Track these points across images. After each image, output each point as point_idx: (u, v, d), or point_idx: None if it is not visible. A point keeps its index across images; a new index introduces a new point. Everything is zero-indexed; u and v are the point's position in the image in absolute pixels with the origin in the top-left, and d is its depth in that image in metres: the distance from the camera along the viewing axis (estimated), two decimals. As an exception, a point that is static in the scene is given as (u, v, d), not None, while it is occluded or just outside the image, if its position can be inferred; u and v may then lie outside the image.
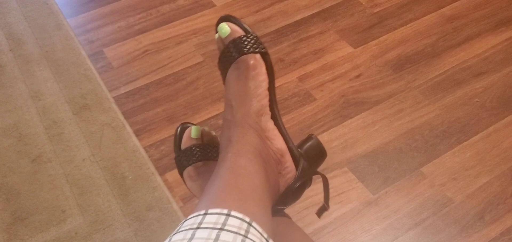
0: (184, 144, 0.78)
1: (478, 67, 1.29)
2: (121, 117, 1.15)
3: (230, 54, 0.69)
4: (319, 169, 0.75)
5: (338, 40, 1.35)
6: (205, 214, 0.52)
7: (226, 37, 0.70)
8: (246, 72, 0.68)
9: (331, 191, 1.03)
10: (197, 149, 0.76)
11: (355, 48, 1.33)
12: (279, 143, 0.69)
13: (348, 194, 1.03)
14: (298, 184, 0.69)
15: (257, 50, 0.69)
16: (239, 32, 0.70)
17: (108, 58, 1.29)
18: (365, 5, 1.46)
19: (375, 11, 1.44)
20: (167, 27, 1.38)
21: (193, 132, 0.77)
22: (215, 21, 1.32)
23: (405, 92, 1.22)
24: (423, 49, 1.33)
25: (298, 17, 1.41)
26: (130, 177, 1.03)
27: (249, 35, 0.70)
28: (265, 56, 0.70)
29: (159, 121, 1.15)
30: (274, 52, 1.32)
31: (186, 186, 0.79)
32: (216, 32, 0.72)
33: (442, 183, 1.05)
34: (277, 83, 1.24)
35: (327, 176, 1.05)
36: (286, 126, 1.15)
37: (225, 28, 0.70)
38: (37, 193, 1.00)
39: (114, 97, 1.19)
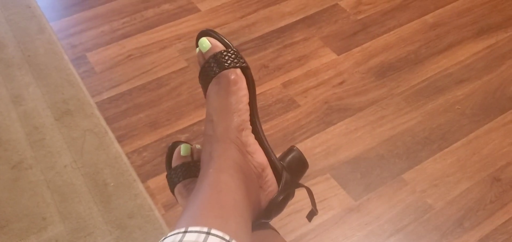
0: (174, 162, 0.79)
1: (459, 74, 1.30)
2: (104, 123, 1.14)
3: (210, 69, 0.69)
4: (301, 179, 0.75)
5: (322, 47, 1.36)
6: (185, 232, 0.52)
7: (207, 51, 0.70)
8: (227, 87, 0.68)
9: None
10: (186, 167, 0.76)
11: (338, 55, 1.34)
12: (260, 157, 0.69)
13: (330, 200, 1.03)
14: (281, 197, 0.70)
15: (237, 65, 0.69)
16: (220, 46, 0.70)
17: (91, 63, 1.29)
18: (349, 12, 1.46)
19: (358, 18, 1.45)
20: (151, 32, 1.38)
21: (182, 149, 0.78)
22: (199, 26, 1.33)
23: (388, 99, 1.23)
24: (406, 56, 1.34)
25: (282, 23, 1.42)
26: (112, 184, 1.03)
27: (229, 50, 0.70)
28: (245, 70, 0.70)
29: (141, 127, 1.15)
30: (258, 58, 1.32)
31: (178, 202, 0.79)
32: (197, 46, 0.72)
33: (423, 189, 1.06)
34: (261, 89, 1.24)
35: (310, 182, 1.05)
36: (269, 132, 1.16)
37: (206, 42, 0.70)
38: (17, 200, 0.99)
39: (96, 103, 1.19)
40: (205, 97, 0.72)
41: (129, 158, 1.08)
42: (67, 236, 0.95)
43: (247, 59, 1.31)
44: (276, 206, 0.70)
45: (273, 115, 1.19)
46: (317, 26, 1.42)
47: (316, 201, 1.03)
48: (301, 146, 1.13)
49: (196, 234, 0.51)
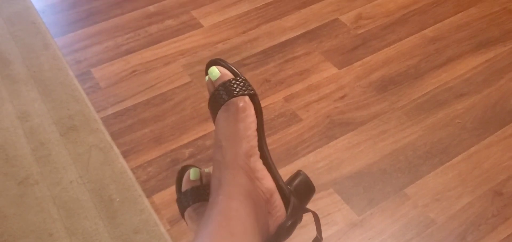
0: (184, 186, 0.80)
1: (459, 88, 1.32)
2: (109, 138, 1.15)
3: (220, 97, 0.72)
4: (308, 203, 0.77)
5: (323, 61, 1.38)
6: None
7: (216, 80, 0.73)
8: (235, 114, 0.70)
9: (317, 212, 1.05)
10: (196, 191, 0.78)
11: (339, 69, 1.36)
12: (268, 182, 0.70)
13: (333, 216, 1.04)
14: (290, 222, 0.71)
15: (246, 92, 0.71)
16: (229, 75, 0.73)
17: (96, 79, 1.30)
18: (349, 26, 1.48)
19: (359, 32, 1.47)
20: (155, 47, 1.39)
21: (191, 174, 0.79)
22: (203, 42, 1.35)
23: (389, 113, 1.25)
24: (406, 70, 1.36)
25: (283, 38, 1.44)
26: (118, 199, 1.04)
27: (238, 78, 0.73)
28: (253, 97, 0.72)
29: (146, 142, 1.16)
30: (260, 73, 1.33)
31: (188, 226, 0.80)
32: (206, 75, 0.75)
33: (425, 204, 1.07)
34: (263, 103, 1.26)
35: (313, 197, 1.06)
36: (272, 146, 1.17)
37: (215, 71, 0.73)
38: (24, 216, 1.00)
39: (101, 118, 1.20)
40: (214, 123, 0.74)
41: (134, 173, 1.10)
42: (74, 251, 0.96)
43: (249, 74, 1.33)
44: (284, 230, 0.71)
45: (276, 129, 1.20)
46: (318, 40, 1.44)
47: (320, 216, 1.04)
48: (304, 160, 1.14)
49: None
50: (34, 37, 1.38)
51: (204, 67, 1.34)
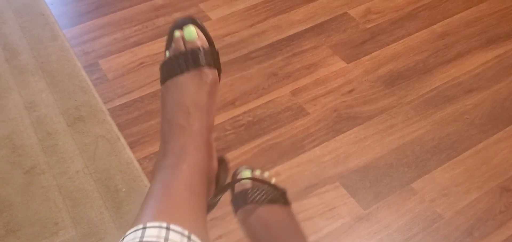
0: (236, 188, 0.84)
1: (468, 84, 1.31)
2: (116, 129, 1.15)
3: (194, 59, 0.69)
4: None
5: (331, 55, 1.37)
6: (144, 228, 0.53)
7: (190, 42, 0.70)
8: (211, 86, 0.69)
9: (322, 206, 1.04)
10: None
11: (347, 63, 1.35)
12: (216, 162, 0.71)
13: (339, 209, 1.04)
14: (218, 198, 0.74)
15: (218, 66, 0.71)
16: (205, 42, 0.71)
17: (104, 70, 1.30)
18: (358, 20, 1.47)
19: (367, 26, 1.46)
20: (162, 39, 1.39)
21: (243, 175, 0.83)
22: (210, 34, 1.34)
23: (397, 108, 1.24)
24: (414, 65, 1.35)
25: (291, 31, 1.43)
26: (124, 190, 1.04)
27: (215, 50, 0.71)
28: (219, 74, 0.73)
29: (153, 133, 1.16)
30: (267, 66, 1.33)
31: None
32: (177, 29, 0.72)
33: (432, 198, 1.06)
34: (270, 97, 1.25)
35: (319, 190, 1.06)
36: (278, 140, 1.17)
37: (194, 33, 0.70)
38: (30, 205, 1.01)
39: (108, 109, 1.20)
40: (163, 81, 0.71)
41: (140, 164, 1.10)
42: (79, 241, 0.96)
43: (256, 67, 1.33)
44: (212, 207, 0.74)
45: (282, 123, 1.20)
46: (326, 34, 1.43)
47: (325, 209, 1.04)
48: (310, 154, 1.14)
49: (157, 229, 0.52)
50: (43, 28, 1.39)
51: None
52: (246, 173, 0.83)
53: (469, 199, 1.06)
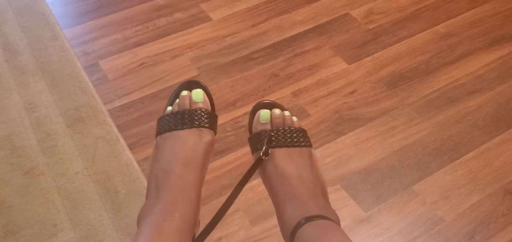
0: (255, 127, 0.82)
1: (471, 85, 1.29)
2: (115, 130, 1.15)
3: (197, 118, 0.77)
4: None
5: (332, 56, 1.36)
6: None
7: (196, 102, 0.79)
8: (208, 145, 0.76)
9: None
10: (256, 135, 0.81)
11: (349, 64, 1.34)
12: (199, 215, 0.75)
13: (340, 211, 1.03)
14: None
15: (214, 129, 0.79)
16: (209, 107, 0.80)
17: (104, 71, 1.30)
18: (360, 21, 1.46)
19: (370, 27, 1.45)
20: (163, 40, 1.39)
21: (261, 116, 0.81)
22: (211, 35, 1.35)
23: (399, 110, 1.23)
24: (417, 67, 1.34)
25: (293, 32, 1.42)
26: (123, 191, 1.03)
27: (214, 113, 0.80)
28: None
29: (153, 135, 1.15)
30: (268, 67, 1.32)
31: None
32: (185, 90, 0.80)
33: (434, 201, 1.05)
34: (271, 98, 1.24)
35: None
36: (279, 141, 1.16)
37: (201, 96, 0.79)
38: (29, 206, 1.00)
39: (108, 110, 1.20)
40: (161, 132, 0.79)
41: (140, 165, 1.09)
42: (78, 243, 0.95)
43: (257, 68, 1.32)
44: None
45: (284, 124, 1.19)
46: (328, 35, 1.42)
47: (326, 211, 1.03)
48: (311, 156, 1.13)
49: None
50: (43, 28, 1.38)
51: (212, 60, 1.33)
52: (265, 113, 0.81)
53: (471, 201, 1.05)
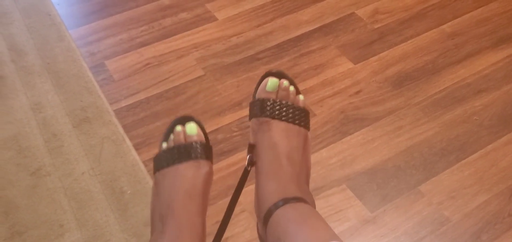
0: (259, 93, 0.81)
1: (478, 85, 1.29)
2: (121, 130, 1.15)
3: (193, 151, 0.79)
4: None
5: (338, 56, 1.36)
6: None
7: (190, 136, 0.81)
8: (206, 176, 0.79)
9: (329, 208, 1.03)
10: (263, 104, 0.80)
11: (355, 64, 1.34)
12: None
13: (346, 212, 1.03)
14: None
15: (210, 160, 0.82)
16: (203, 139, 0.82)
17: (110, 71, 1.30)
18: (366, 21, 1.46)
19: (375, 27, 1.44)
20: (168, 40, 1.39)
21: (269, 84, 0.81)
22: (217, 35, 1.35)
23: (405, 109, 1.23)
24: (423, 66, 1.34)
25: (299, 32, 1.42)
26: (129, 192, 1.04)
27: (209, 145, 0.82)
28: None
29: (159, 135, 1.16)
30: (274, 67, 1.32)
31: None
32: (178, 125, 0.82)
33: (440, 201, 1.05)
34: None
35: (325, 193, 1.05)
36: (285, 141, 1.16)
37: (195, 129, 0.81)
38: (35, 207, 1.01)
39: (114, 111, 1.20)
40: (159, 169, 0.81)
41: (146, 165, 1.09)
42: (84, 243, 0.96)
43: (263, 68, 1.32)
44: None
45: (289, 124, 1.19)
46: (333, 35, 1.42)
47: (332, 212, 1.03)
48: (316, 156, 1.13)
49: None
50: (49, 29, 1.39)
51: (218, 60, 1.33)
52: (273, 83, 0.81)
53: (477, 201, 1.05)
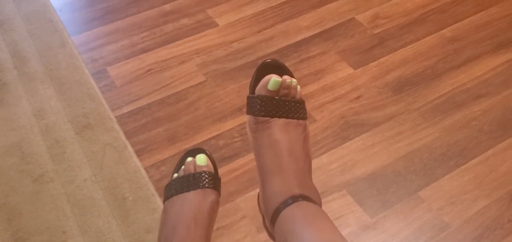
0: (259, 89, 0.79)
1: (477, 90, 1.29)
2: (123, 137, 1.16)
3: (202, 180, 0.84)
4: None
5: (338, 61, 1.36)
6: None
7: (200, 166, 0.86)
8: (212, 204, 0.83)
9: (329, 214, 1.04)
10: (267, 101, 0.78)
11: (355, 69, 1.35)
12: None
13: (346, 217, 1.03)
14: None
15: (218, 190, 0.87)
16: (212, 170, 0.87)
17: (111, 77, 1.31)
18: (366, 26, 1.47)
19: (375, 32, 1.45)
20: (170, 46, 1.40)
21: (270, 83, 0.78)
22: (218, 41, 1.36)
23: (405, 115, 1.23)
24: (423, 71, 1.34)
25: (299, 37, 1.43)
26: (131, 198, 1.04)
27: (218, 176, 0.87)
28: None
29: (160, 141, 1.17)
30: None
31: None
32: (189, 156, 0.88)
33: (440, 207, 1.06)
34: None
35: (326, 199, 1.06)
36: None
37: (204, 160, 0.86)
38: (38, 213, 1.01)
39: (116, 117, 1.21)
40: (168, 198, 0.85)
41: (147, 172, 1.10)
42: (87, 249, 0.97)
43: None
44: None
45: (290, 130, 1.20)
46: (333, 40, 1.42)
47: (332, 218, 1.04)
48: (317, 162, 1.13)
49: None
50: (52, 35, 1.40)
51: (219, 66, 1.34)
52: (276, 83, 0.78)
53: (477, 207, 1.06)
